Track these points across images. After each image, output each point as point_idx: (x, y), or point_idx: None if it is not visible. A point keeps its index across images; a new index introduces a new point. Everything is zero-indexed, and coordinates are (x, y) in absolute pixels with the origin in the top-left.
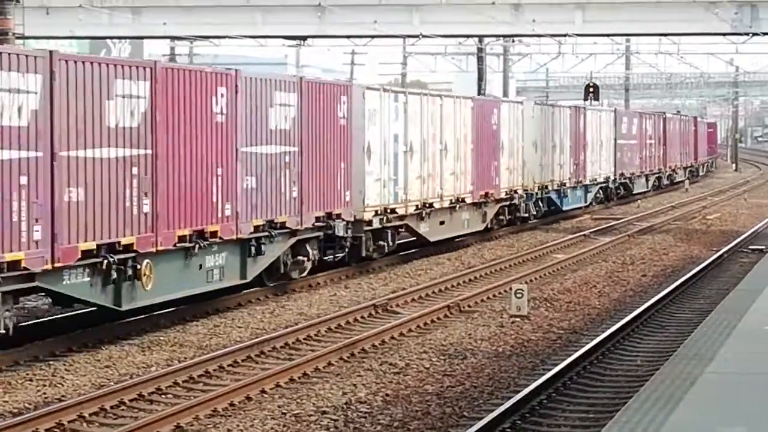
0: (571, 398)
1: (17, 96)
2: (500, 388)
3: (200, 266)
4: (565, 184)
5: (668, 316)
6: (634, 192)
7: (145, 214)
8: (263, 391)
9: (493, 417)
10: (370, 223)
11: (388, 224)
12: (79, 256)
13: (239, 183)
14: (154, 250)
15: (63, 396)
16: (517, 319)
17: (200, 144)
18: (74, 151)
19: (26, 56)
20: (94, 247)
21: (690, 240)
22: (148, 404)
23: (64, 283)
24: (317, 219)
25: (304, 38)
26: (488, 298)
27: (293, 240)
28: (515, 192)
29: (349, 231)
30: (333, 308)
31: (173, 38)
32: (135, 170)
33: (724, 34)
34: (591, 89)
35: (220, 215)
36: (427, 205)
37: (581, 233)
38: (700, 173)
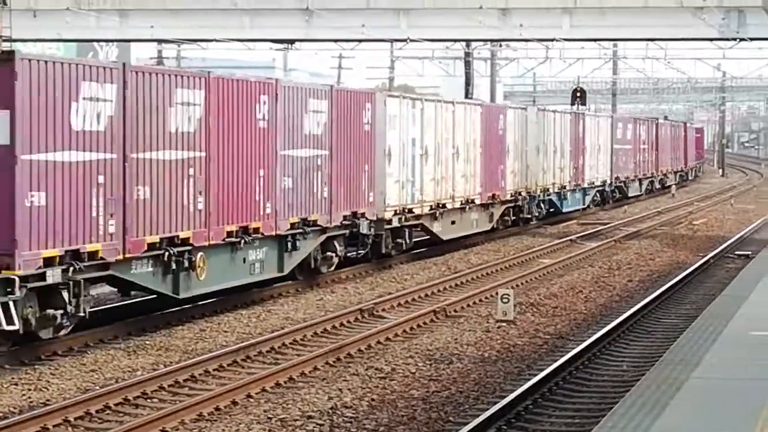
0: (557, 403)
1: (96, 104)
2: (486, 393)
3: (244, 259)
4: (565, 187)
5: (654, 322)
6: (629, 195)
7: (199, 211)
8: (249, 396)
9: (478, 422)
10: (389, 222)
11: (406, 223)
12: (145, 248)
13: (278, 183)
14: (206, 243)
15: (48, 400)
16: (504, 324)
17: (246, 147)
18: (142, 153)
19: (104, 68)
20: (158, 240)
21: (676, 245)
22: (133, 408)
23: (132, 272)
24: (344, 218)
25: (291, 42)
26: (474, 303)
27: (323, 237)
28: (519, 194)
29: (372, 229)
30: (319, 313)
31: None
32: (191, 171)
33: (712, 40)
34: (578, 94)
35: (261, 213)
36: (440, 205)
37: (568, 238)
38: (689, 177)
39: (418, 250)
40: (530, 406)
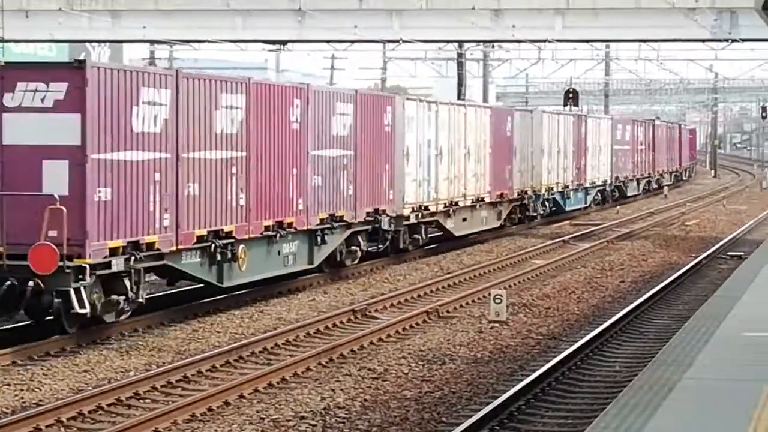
0: (550, 404)
1: (153, 107)
2: (479, 394)
3: (279, 252)
4: (568, 187)
5: (647, 322)
6: (627, 195)
7: (241, 207)
8: (242, 396)
9: (471, 422)
10: (407, 218)
11: (422, 220)
12: (195, 241)
13: (309, 181)
14: (247, 237)
15: (41, 401)
16: (496, 325)
17: (281, 148)
18: (192, 153)
19: (160, 74)
20: (205, 233)
21: (669, 246)
22: (126, 409)
23: (182, 262)
24: (367, 214)
25: (284, 42)
26: (467, 303)
27: (348, 232)
28: (525, 193)
29: (392, 225)
30: (312, 313)
31: (153, 42)
32: (234, 169)
33: (704, 41)
34: (571, 95)
35: (294, 209)
36: (453, 203)
37: (560, 239)
38: (684, 178)
39: (408, 250)
40: (523, 406)
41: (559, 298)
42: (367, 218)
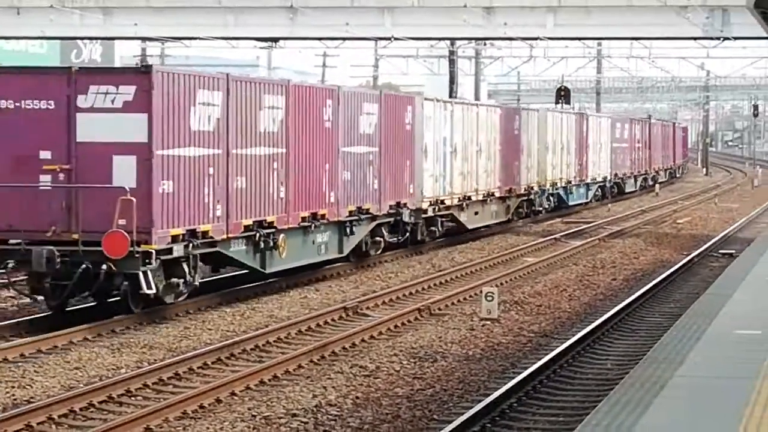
0: (542, 401)
1: (208, 108)
2: (470, 391)
3: (313, 241)
4: (570, 182)
5: (638, 320)
6: (625, 191)
7: (281, 199)
8: (233, 394)
9: (463, 420)
10: (425, 211)
11: (439, 213)
12: (242, 230)
13: (339, 176)
14: (286, 227)
15: (32, 398)
16: (488, 323)
17: (315, 145)
18: (240, 149)
19: (212, 78)
20: (251, 223)
21: (660, 244)
22: (117, 406)
23: (231, 249)
24: (390, 207)
25: (275, 40)
26: (459, 301)
27: (373, 224)
28: (532, 188)
29: (412, 218)
30: (303, 311)
31: (144, 39)
32: (275, 165)
33: (696, 39)
34: (562, 92)
35: (327, 201)
36: (466, 197)
37: (552, 237)
38: (678, 175)
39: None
40: (514, 404)
41: (550, 295)
42: (390, 211)
